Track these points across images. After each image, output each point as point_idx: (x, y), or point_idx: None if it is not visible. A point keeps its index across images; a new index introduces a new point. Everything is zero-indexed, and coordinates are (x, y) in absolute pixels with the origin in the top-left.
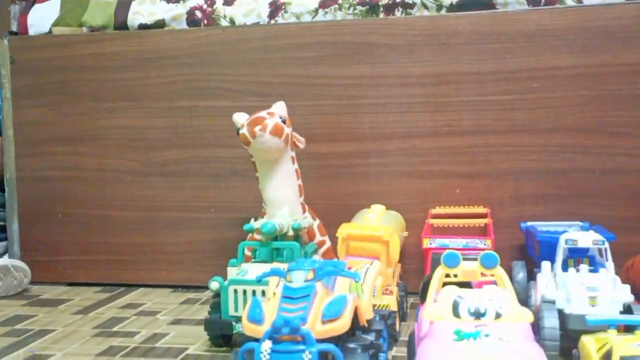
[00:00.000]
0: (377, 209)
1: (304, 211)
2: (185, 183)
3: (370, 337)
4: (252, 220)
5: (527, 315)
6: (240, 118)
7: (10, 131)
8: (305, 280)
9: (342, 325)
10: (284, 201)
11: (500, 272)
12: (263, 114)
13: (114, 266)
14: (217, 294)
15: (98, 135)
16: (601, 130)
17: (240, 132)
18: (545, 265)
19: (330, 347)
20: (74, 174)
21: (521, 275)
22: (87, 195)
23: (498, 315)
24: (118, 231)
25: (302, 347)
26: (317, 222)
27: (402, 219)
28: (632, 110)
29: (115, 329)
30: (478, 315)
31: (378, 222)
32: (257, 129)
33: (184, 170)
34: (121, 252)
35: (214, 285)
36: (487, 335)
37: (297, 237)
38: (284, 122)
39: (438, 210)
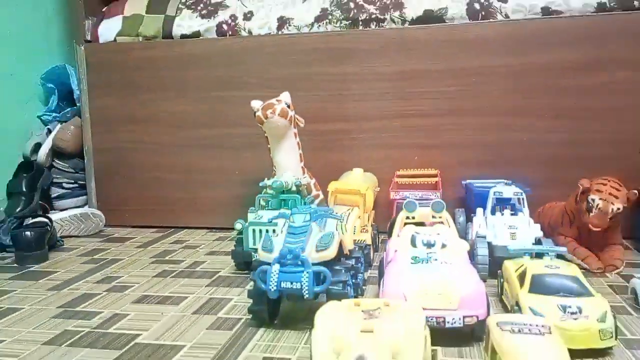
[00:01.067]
0: (357, 171)
1: (303, 173)
2: (216, 153)
3: (351, 262)
4: (266, 179)
5: (465, 246)
6: (256, 104)
7: (87, 114)
8: (304, 221)
9: (331, 253)
10: (288, 165)
11: (446, 215)
12: (273, 101)
13: (165, 214)
14: (240, 232)
15: (152, 117)
16: (523, 113)
17: (257, 114)
18: (479, 211)
19: (322, 268)
20: (134, 146)
21: (462, 219)
22: (145, 161)
23: (444, 246)
24: (168, 189)
25: (301, 269)
26: (314, 180)
27: (375, 178)
28: (545, 98)
29: (167, 258)
30: (429, 245)
31: (358, 181)
32: (268, 112)
33: (215, 143)
34: (170, 204)
35: (238, 225)
36: (435, 260)
37: (298, 192)
38: (288, 106)
39: (402, 172)
